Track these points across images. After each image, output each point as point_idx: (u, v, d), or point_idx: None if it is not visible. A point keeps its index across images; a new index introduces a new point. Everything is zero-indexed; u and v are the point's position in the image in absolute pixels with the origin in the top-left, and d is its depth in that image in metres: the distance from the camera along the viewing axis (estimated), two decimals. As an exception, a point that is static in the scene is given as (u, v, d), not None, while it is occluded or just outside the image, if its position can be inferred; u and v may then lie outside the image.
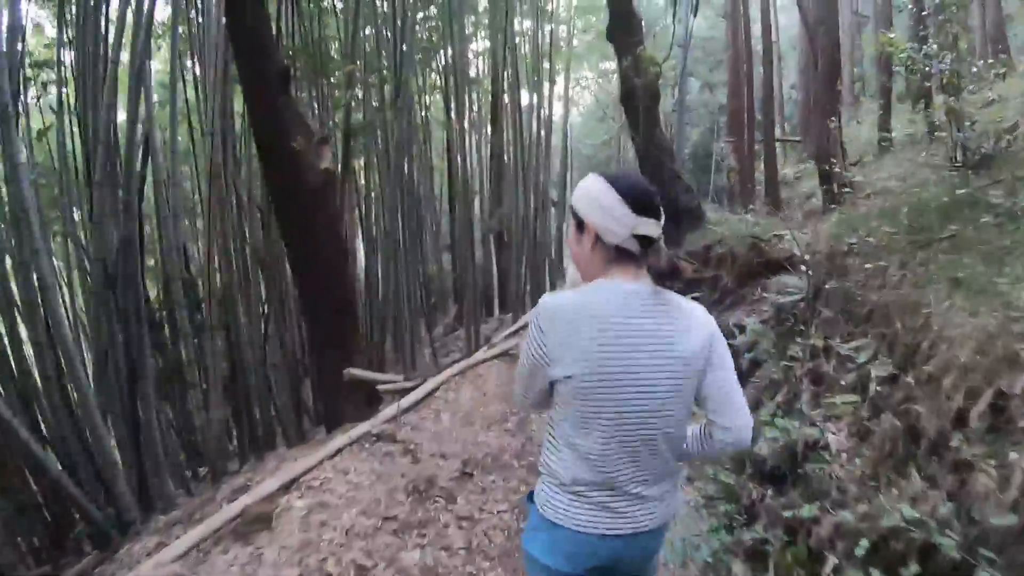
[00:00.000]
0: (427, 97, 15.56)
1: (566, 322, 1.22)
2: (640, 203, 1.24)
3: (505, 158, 14.86)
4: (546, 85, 17.81)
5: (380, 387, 5.99)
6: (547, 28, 17.42)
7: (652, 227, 1.25)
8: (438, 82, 14.95)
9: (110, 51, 6.76)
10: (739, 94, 13.30)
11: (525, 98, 15.74)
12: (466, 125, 13.63)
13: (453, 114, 12.73)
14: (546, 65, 17.19)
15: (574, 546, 1.29)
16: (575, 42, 22.19)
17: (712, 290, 6.11)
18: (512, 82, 14.41)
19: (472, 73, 16.13)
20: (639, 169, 9.11)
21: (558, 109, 22.31)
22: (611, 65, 21.04)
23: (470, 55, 15.66)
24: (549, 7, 17.49)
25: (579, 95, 36.87)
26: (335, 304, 6.07)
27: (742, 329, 4.61)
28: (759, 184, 11.50)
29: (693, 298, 1.38)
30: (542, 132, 16.57)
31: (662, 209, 1.27)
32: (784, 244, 5.59)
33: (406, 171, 10.96)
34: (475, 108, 17.05)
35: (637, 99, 8.85)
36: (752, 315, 5.10)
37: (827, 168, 7.03)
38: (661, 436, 1.26)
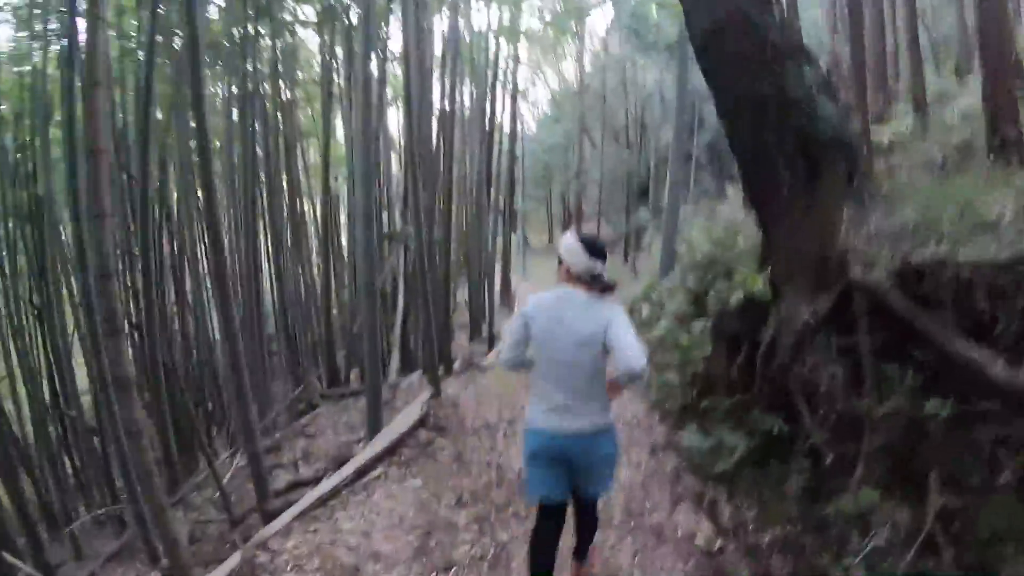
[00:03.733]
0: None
1: (540, 300, 2.50)
2: (592, 251, 2.45)
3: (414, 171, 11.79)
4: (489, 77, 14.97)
5: None
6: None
7: (598, 265, 2.43)
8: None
9: None
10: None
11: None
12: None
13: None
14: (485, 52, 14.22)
15: (538, 438, 2.48)
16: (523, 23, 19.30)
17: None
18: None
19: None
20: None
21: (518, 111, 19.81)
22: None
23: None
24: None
25: (532, 92, 34.27)
26: None
27: None
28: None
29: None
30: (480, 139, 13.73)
31: (605, 252, 2.49)
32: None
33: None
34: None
35: None
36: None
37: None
38: (579, 373, 2.40)
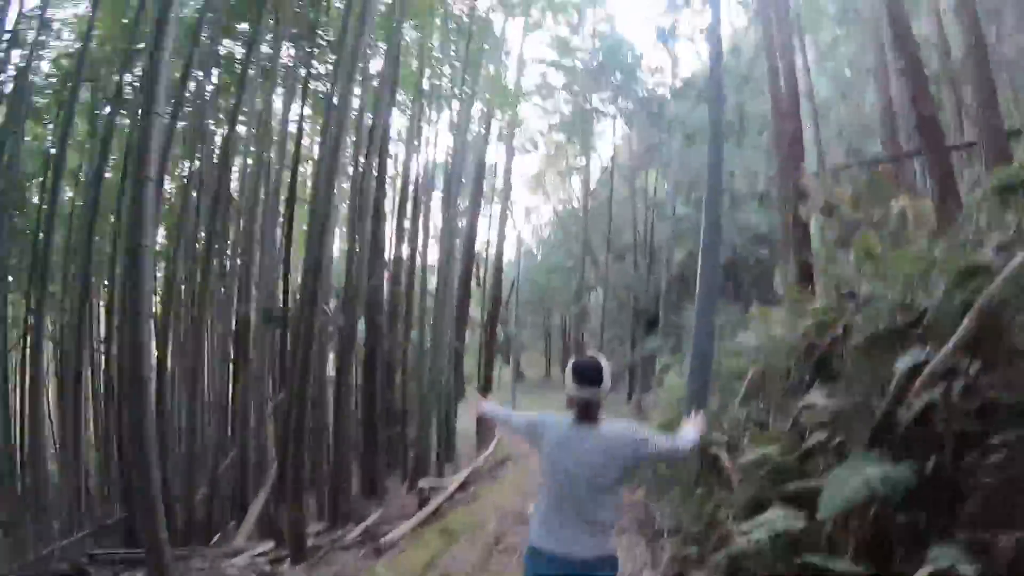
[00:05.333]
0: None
1: (551, 418, 2.47)
2: (581, 378, 2.34)
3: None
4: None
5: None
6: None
7: (588, 392, 2.33)
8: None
9: None
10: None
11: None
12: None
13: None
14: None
15: (538, 561, 2.35)
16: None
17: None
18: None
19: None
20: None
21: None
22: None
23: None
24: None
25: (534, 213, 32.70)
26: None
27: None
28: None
29: None
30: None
31: (600, 377, 2.34)
32: None
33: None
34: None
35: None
36: None
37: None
38: (587, 501, 2.30)
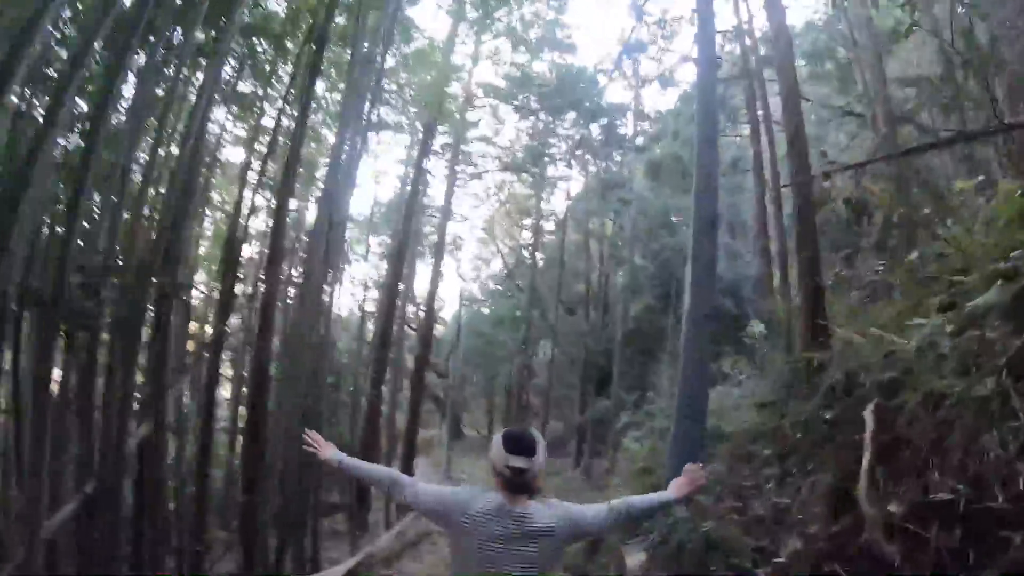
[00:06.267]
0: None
1: (462, 498, 2.03)
2: (513, 446, 1.98)
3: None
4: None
5: None
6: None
7: (520, 461, 1.95)
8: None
9: None
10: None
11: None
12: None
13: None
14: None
15: None
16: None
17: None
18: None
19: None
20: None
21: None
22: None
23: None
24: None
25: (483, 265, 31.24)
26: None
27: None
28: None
29: None
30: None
31: (533, 447, 1.99)
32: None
33: None
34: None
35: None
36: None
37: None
38: None
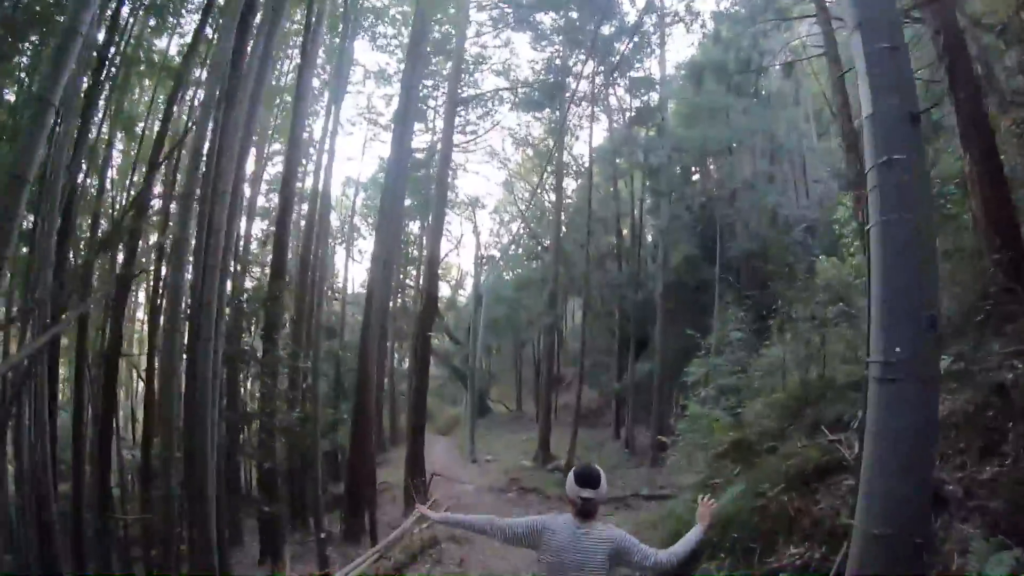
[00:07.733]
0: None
1: (552, 522, 2.75)
2: (582, 481, 2.70)
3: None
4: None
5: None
6: None
7: (588, 493, 2.67)
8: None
9: None
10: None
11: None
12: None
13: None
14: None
15: None
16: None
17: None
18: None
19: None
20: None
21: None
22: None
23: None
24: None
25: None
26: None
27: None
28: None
29: None
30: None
31: (597, 479, 2.70)
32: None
33: None
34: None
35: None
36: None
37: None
38: None
